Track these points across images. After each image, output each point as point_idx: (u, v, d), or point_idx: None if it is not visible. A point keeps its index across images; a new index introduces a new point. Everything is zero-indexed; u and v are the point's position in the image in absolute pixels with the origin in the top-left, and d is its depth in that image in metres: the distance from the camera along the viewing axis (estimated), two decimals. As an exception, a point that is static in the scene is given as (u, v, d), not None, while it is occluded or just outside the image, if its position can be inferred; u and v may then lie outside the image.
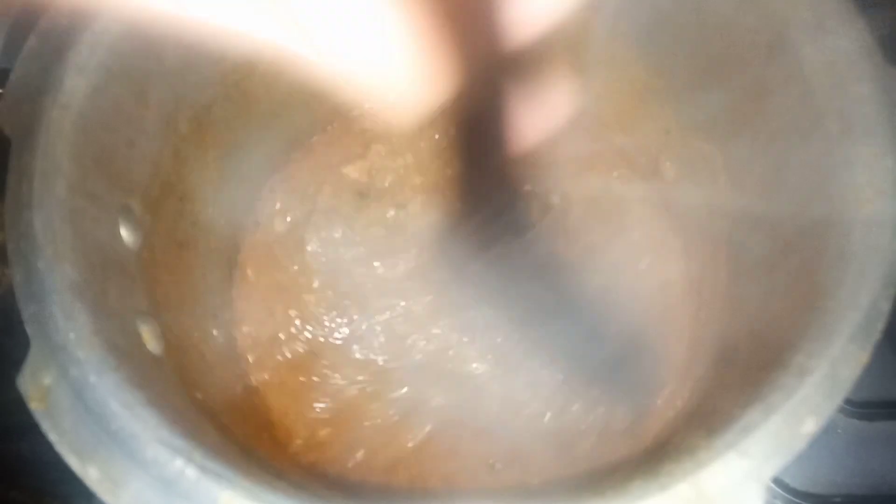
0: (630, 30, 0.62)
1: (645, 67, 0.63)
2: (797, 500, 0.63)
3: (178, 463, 0.38)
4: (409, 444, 0.61)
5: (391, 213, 0.69)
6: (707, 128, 0.60)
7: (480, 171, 0.64)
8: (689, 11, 0.56)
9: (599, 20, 0.62)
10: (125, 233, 0.49)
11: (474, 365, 0.63)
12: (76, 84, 0.46)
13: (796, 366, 0.39)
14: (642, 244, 0.66)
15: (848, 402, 0.66)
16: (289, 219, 0.68)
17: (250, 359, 0.63)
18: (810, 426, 0.38)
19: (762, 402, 0.39)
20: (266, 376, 0.63)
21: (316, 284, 0.66)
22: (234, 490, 0.37)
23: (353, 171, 0.70)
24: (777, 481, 0.64)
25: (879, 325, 0.39)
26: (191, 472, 0.38)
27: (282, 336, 0.65)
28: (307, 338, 0.65)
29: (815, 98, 0.47)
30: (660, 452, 0.46)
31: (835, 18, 0.47)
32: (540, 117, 0.38)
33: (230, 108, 0.60)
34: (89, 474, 0.38)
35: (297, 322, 0.65)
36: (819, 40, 0.47)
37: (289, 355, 0.64)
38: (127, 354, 0.43)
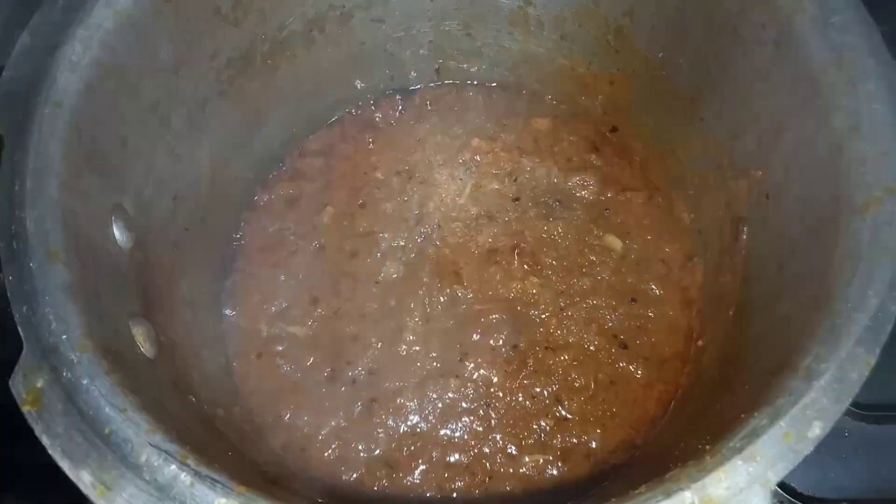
0: (639, 25, 0.61)
1: (653, 61, 0.62)
2: (804, 506, 0.62)
3: (173, 468, 0.37)
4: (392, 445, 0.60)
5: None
6: (715, 124, 0.59)
7: None
8: (696, 6, 0.56)
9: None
10: (118, 233, 0.48)
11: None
12: (69, 81, 0.45)
13: (804, 369, 0.38)
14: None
15: (856, 405, 0.65)
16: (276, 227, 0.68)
17: (246, 359, 0.62)
18: (817, 430, 0.37)
19: (769, 406, 0.38)
20: (260, 379, 0.62)
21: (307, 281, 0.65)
22: (229, 497, 0.37)
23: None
24: (783, 485, 0.63)
25: (887, 328, 0.38)
26: (185, 478, 0.37)
27: (274, 336, 0.64)
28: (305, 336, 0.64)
29: (823, 95, 0.46)
30: (665, 457, 0.45)
31: (842, 14, 0.46)
32: None
33: (225, 105, 0.60)
34: (82, 478, 0.37)
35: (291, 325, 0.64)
36: (827, 36, 0.46)
37: (282, 358, 0.63)
38: (120, 357, 0.42)
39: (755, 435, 0.37)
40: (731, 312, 0.56)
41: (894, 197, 0.41)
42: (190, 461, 0.38)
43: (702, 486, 0.36)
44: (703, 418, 0.51)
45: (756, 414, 0.38)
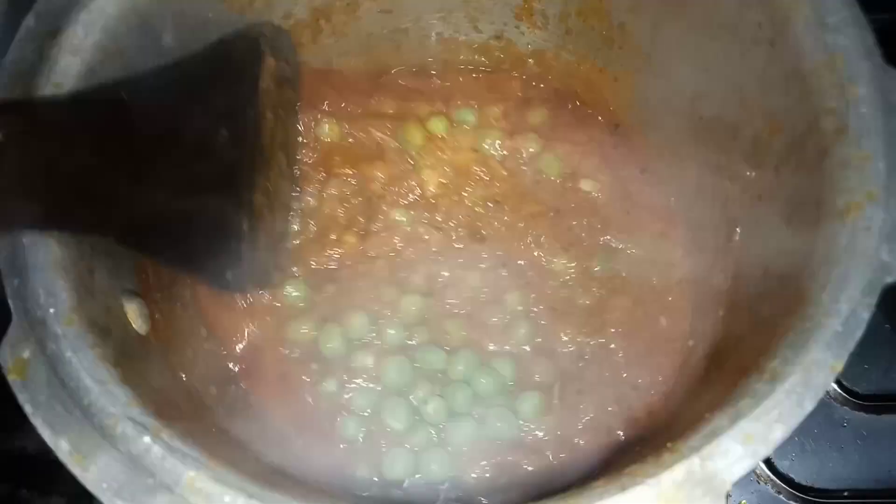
0: (637, 24, 0.61)
1: (649, 60, 0.62)
2: (803, 496, 0.62)
3: (146, 440, 0.39)
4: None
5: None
6: (713, 123, 0.58)
7: None
8: (696, 5, 0.55)
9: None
10: (116, 212, 0.50)
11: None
12: (70, 64, 0.47)
13: (769, 371, 0.39)
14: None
15: (854, 395, 0.65)
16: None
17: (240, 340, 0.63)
18: (778, 434, 0.37)
19: (732, 407, 0.38)
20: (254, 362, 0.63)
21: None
22: (199, 470, 0.38)
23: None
24: (782, 476, 0.62)
25: (857, 334, 0.38)
26: (157, 450, 0.38)
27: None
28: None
29: (814, 97, 0.46)
30: (631, 453, 0.46)
31: (837, 15, 0.46)
32: None
33: (230, 92, 0.61)
34: (60, 446, 0.39)
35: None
36: (820, 37, 0.46)
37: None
38: (107, 332, 0.44)
39: (714, 435, 0.37)
40: (720, 313, 0.56)
41: (874, 203, 0.41)
42: (164, 435, 0.39)
43: (657, 483, 0.36)
44: (682, 417, 0.51)
45: (718, 414, 0.38)
